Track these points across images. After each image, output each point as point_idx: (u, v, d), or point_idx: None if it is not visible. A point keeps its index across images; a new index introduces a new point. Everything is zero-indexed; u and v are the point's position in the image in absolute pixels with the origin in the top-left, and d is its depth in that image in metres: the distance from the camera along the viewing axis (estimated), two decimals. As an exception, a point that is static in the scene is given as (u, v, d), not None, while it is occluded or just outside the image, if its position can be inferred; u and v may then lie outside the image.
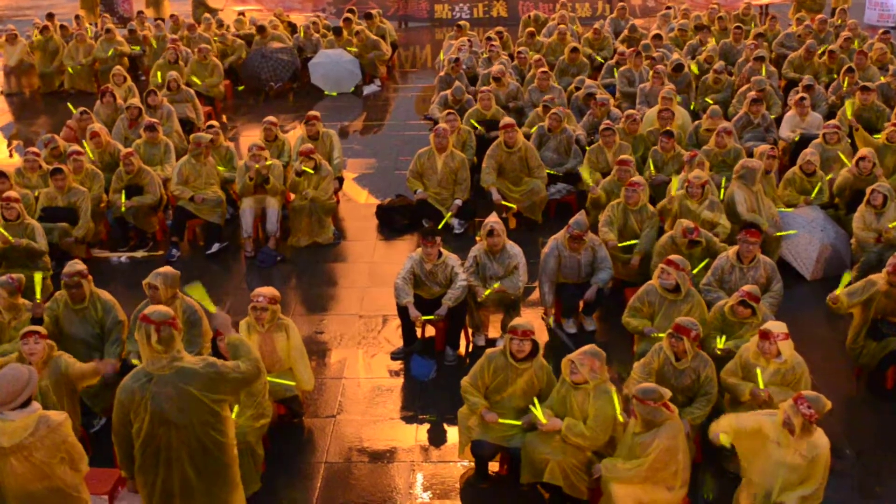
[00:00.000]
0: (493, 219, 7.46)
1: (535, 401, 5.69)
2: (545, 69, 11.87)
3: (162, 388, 4.56)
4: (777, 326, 5.77)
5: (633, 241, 8.04)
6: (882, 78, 11.78)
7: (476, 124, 10.79)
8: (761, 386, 5.72)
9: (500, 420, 5.81)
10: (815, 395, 4.99)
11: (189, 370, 4.59)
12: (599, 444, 5.47)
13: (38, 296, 6.60)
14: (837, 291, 6.68)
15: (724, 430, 5.24)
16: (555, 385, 5.80)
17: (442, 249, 7.32)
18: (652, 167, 9.34)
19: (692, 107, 11.68)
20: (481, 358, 5.96)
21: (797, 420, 4.89)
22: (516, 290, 7.35)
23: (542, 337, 7.60)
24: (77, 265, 6.59)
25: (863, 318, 6.85)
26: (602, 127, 9.65)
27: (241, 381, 4.72)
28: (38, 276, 6.67)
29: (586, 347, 5.58)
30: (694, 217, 7.89)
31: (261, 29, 15.73)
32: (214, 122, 10.28)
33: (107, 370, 6.05)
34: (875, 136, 10.01)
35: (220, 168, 9.77)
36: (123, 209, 9.13)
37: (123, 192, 9.19)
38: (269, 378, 6.09)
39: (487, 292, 7.27)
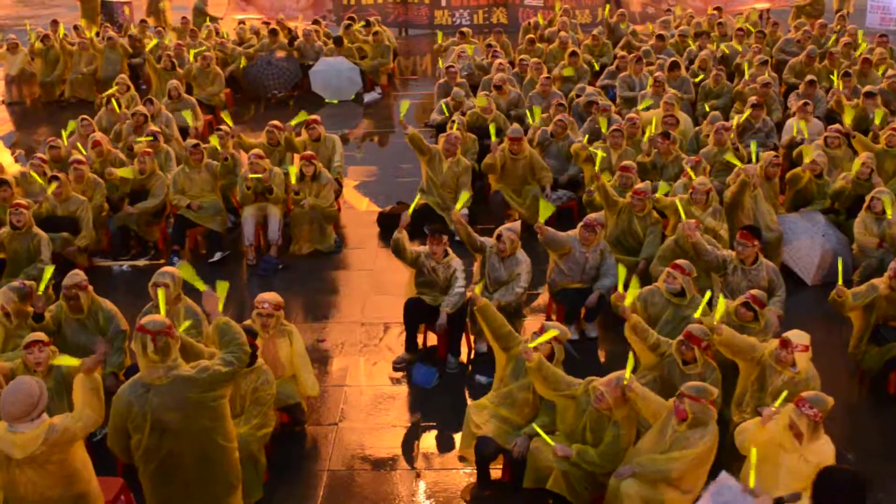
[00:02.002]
0: (508, 226, 7.45)
1: (536, 427, 5.63)
2: (548, 75, 11.88)
3: (161, 398, 4.60)
4: (798, 337, 5.71)
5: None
6: (884, 77, 11.79)
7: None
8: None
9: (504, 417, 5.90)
10: (814, 394, 4.99)
11: (185, 377, 4.64)
12: (606, 472, 5.39)
13: (41, 289, 6.60)
14: (839, 281, 6.64)
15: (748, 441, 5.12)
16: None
17: (448, 249, 7.35)
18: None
19: (700, 110, 11.69)
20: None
21: (802, 422, 4.88)
22: (514, 298, 7.33)
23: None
24: (77, 276, 6.60)
25: (864, 323, 6.85)
26: (612, 128, 9.65)
27: (234, 372, 4.78)
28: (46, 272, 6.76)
29: (615, 375, 5.46)
30: None
31: (273, 32, 15.75)
32: (223, 127, 10.22)
33: (89, 364, 5.85)
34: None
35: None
36: (112, 174, 9.33)
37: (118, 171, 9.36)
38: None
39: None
